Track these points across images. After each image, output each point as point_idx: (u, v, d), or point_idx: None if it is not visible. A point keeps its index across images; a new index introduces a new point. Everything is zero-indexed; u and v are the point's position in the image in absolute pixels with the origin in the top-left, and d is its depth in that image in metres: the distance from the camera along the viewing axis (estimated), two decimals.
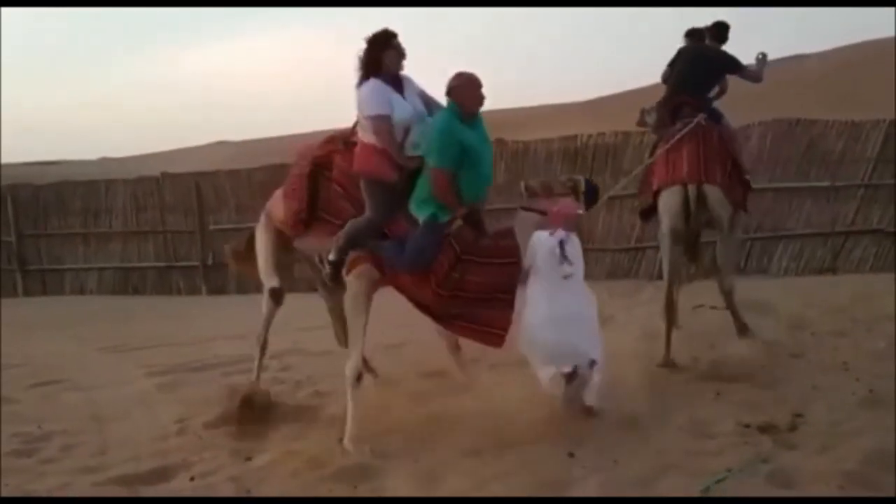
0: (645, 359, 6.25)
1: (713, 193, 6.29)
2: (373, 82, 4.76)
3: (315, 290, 6.22)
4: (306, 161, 5.18)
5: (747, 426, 4.54)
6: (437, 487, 4.07)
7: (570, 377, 4.68)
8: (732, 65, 6.73)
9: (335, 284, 5.05)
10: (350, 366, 4.83)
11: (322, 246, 5.12)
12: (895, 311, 7.60)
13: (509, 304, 4.77)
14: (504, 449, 4.46)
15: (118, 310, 12.14)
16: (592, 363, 4.74)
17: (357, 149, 4.83)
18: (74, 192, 14.70)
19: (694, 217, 6.37)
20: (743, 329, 6.52)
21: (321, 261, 5.08)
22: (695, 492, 3.74)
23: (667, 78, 7.01)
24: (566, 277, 4.81)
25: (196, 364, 7.28)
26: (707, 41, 6.88)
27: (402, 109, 4.76)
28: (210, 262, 13.69)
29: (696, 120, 6.40)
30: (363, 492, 4.09)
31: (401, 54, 4.82)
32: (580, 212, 5.09)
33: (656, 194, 6.51)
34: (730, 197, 6.37)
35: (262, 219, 5.74)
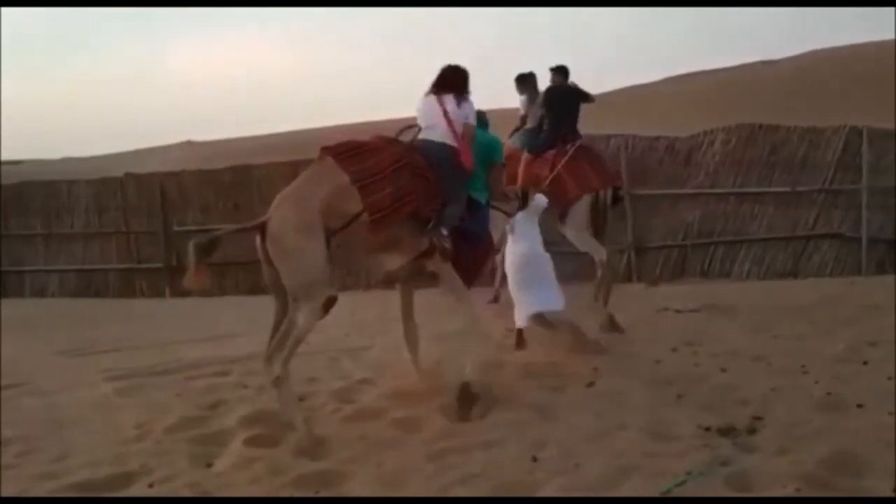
0: (607, 359, 6.31)
1: (607, 197, 8.39)
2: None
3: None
4: (394, 154, 5.40)
5: (707, 429, 4.58)
6: (401, 492, 4.07)
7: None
8: (586, 97, 8.69)
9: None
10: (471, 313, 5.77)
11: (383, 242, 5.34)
12: (853, 315, 7.76)
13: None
14: (467, 452, 4.47)
15: (79, 312, 11.97)
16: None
17: (463, 148, 5.69)
18: (35, 192, 14.47)
19: (602, 214, 8.36)
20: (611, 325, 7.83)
21: (441, 237, 5.48)
22: (655, 494, 3.76)
23: (541, 113, 8.76)
24: (511, 232, 6.87)
25: (158, 368, 7.17)
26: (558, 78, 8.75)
27: None
28: (174, 263, 13.54)
29: (578, 142, 8.44)
30: None
31: None
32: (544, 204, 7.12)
33: (573, 201, 8.18)
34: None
35: (305, 218, 5.03)
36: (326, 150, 5.39)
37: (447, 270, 5.62)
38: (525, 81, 9.19)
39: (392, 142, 5.65)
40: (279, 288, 5.14)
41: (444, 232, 5.47)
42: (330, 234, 5.07)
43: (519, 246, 6.88)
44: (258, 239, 5.08)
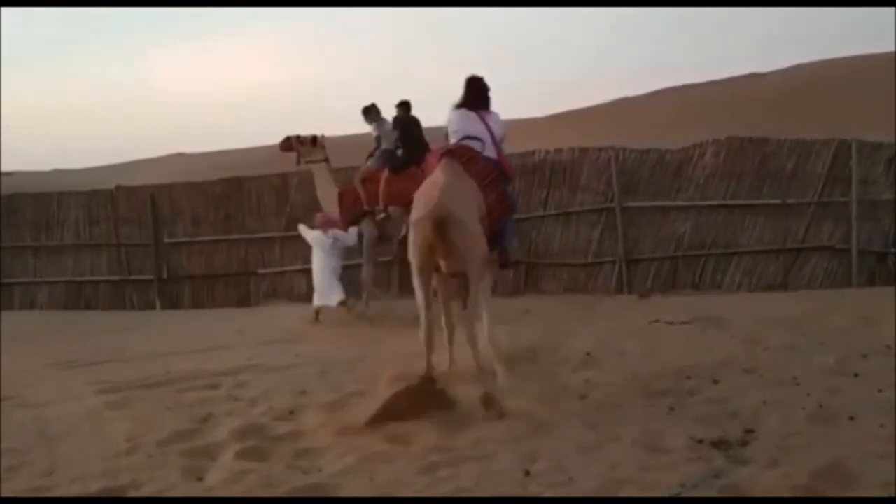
0: (600, 371, 6.32)
1: None
2: None
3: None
4: (487, 166, 6.17)
5: (700, 441, 4.58)
6: None
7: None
8: (420, 129, 10.25)
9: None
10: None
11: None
12: (844, 327, 7.78)
13: None
14: (459, 466, 4.45)
15: (69, 325, 11.91)
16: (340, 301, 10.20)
17: (503, 159, 6.50)
18: (26, 204, 14.39)
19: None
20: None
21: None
22: None
23: (395, 137, 10.32)
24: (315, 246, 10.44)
25: (149, 380, 7.13)
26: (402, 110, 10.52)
27: None
28: (165, 275, 13.50)
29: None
30: None
31: None
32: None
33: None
34: None
35: (476, 210, 5.84)
36: (449, 153, 6.07)
37: (489, 275, 6.27)
38: (370, 112, 10.58)
39: (478, 153, 6.28)
40: (430, 272, 5.79)
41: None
42: None
43: (331, 258, 10.30)
44: (429, 227, 5.42)
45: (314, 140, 10.70)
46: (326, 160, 10.80)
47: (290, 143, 10.80)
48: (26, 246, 14.21)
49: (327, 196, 10.70)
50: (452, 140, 6.40)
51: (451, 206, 5.53)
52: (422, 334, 5.70)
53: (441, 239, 5.44)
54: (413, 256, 5.72)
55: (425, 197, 5.71)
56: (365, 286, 10.48)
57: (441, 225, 5.42)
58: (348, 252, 10.67)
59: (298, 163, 11.00)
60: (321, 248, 10.38)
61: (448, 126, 6.50)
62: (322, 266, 10.35)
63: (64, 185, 17.61)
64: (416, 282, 5.75)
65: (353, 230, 10.45)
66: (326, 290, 10.27)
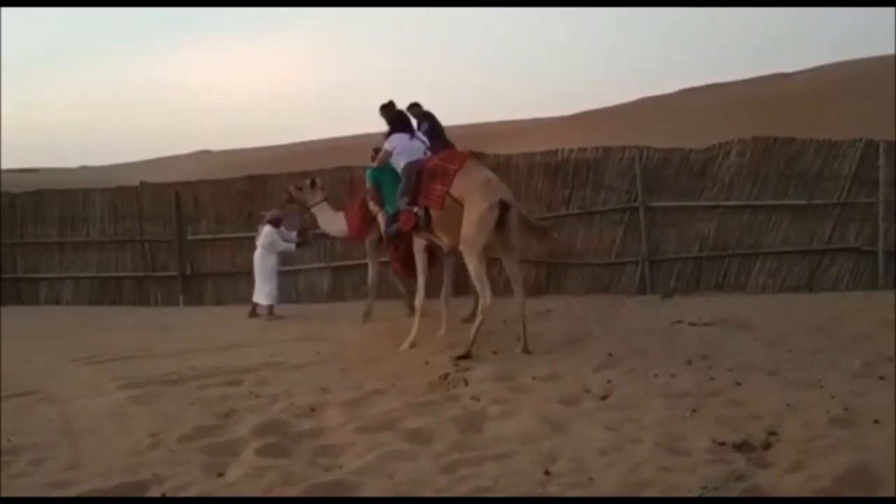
0: (621, 372, 6.29)
1: None
2: None
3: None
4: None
5: (722, 443, 4.55)
6: None
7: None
8: None
9: None
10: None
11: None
12: (870, 329, 7.69)
13: None
14: (479, 465, 4.45)
15: (94, 320, 12.01)
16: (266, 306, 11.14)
17: None
18: (52, 200, 14.52)
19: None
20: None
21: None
22: None
23: (426, 131, 10.05)
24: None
25: (171, 376, 7.19)
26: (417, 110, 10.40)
27: None
28: (188, 272, 13.59)
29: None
30: None
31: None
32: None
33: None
34: None
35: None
36: (474, 153, 8.16)
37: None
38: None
39: None
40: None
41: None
42: None
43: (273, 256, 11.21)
44: (498, 212, 7.18)
45: (313, 183, 10.96)
46: (327, 199, 10.94)
47: (292, 197, 11.14)
48: (52, 242, 14.36)
49: (331, 224, 10.81)
50: (405, 158, 8.31)
51: (509, 195, 7.40)
52: (490, 300, 7.18)
53: (507, 222, 7.19)
54: (481, 237, 7.18)
55: (486, 188, 7.34)
56: (372, 286, 10.41)
57: (509, 210, 7.20)
58: (285, 255, 11.67)
59: (305, 212, 11.33)
60: (260, 244, 11.36)
61: (394, 146, 8.50)
62: (257, 263, 11.31)
63: (90, 182, 17.78)
64: (479, 261, 7.25)
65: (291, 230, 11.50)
66: (259, 287, 11.23)
